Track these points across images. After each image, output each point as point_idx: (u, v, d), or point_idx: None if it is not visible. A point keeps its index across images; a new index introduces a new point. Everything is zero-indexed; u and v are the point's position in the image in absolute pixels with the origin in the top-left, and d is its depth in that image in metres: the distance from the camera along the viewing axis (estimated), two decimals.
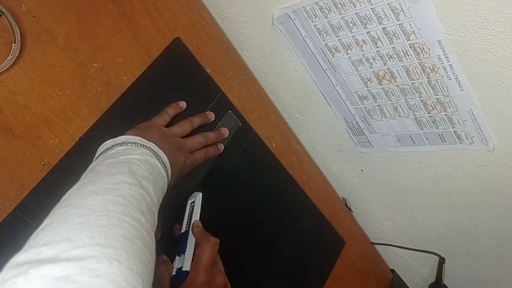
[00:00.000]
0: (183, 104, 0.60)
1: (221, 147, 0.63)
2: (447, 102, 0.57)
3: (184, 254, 0.52)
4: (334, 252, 0.82)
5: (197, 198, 0.59)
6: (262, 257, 0.70)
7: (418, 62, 0.54)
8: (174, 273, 0.51)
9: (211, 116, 0.63)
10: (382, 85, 0.61)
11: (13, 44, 0.46)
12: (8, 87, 0.48)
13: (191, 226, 0.55)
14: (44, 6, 0.50)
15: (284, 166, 0.74)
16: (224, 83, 0.67)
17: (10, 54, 0.46)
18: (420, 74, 0.55)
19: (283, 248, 0.73)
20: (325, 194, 0.83)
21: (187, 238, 0.53)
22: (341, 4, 0.53)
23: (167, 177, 0.47)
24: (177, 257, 0.53)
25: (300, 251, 0.76)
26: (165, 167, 0.47)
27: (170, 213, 0.56)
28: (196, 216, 0.56)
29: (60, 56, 0.51)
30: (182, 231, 0.56)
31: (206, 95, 0.64)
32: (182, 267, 0.50)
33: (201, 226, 0.55)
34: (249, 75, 0.72)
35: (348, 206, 0.92)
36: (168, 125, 0.57)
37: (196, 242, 0.53)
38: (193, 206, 0.58)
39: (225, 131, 0.64)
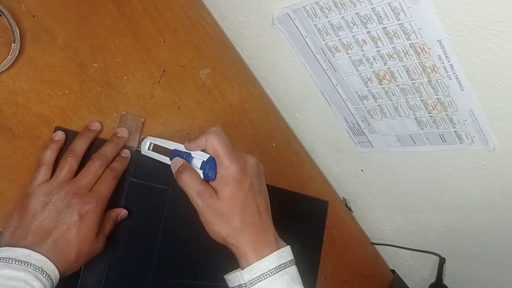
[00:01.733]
0: (59, 136, 0.49)
1: (127, 153, 0.53)
2: (448, 102, 0.57)
3: (192, 157, 0.47)
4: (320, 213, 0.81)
5: (151, 139, 0.54)
6: None
7: (419, 62, 0.54)
8: (200, 172, 0.46)
9: (124, 133, 0.53)
10: (382, 85, 0.61)
11: (13, 44, 0.46)
12: (8, 87, 0.48)
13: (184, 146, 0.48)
14: (43, 6, 0.50)
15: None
16: (224, 83, 0.67)
17: (10, 54, 0.46)
18: (420, 74, 0.55)
19: None
20: (325, 194, 0.83)
21: (182, 154, 0.48)
22: (341, 3, 0.53)
23: (49, 284, 0.42)
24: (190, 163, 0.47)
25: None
26: (45, 275, 0.41)
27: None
28: (169, 143, 0.51)
29: (59, 56, 0.51)
30: (169, 160, 0.50)
31: None
32: (203, 160, 0.45)
33: (188, 141, 0.48)
34: (249, 75, 0.72)
35: (348, 206, 0.92)
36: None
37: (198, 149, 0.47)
38: (156, 145, 0.53)
39: (122, 132, 0.53)
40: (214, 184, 0.46)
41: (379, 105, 0.64)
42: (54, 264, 0.43)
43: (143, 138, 0.56)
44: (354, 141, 0.75)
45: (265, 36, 0.67)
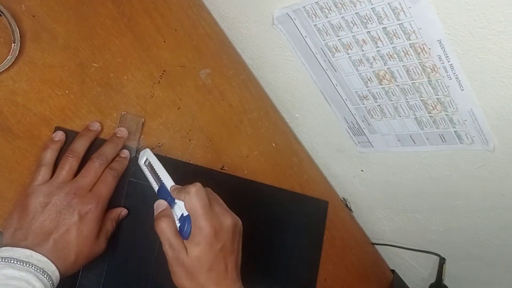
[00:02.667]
0: (59, 136, 0.50)
1: (126, 153, 0.53)
2: (448, 102, 0.57)
3: (175, 202, 0.47)
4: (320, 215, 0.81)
5: (148, 155, 0.53)
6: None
7: (419, 62, 0.54)
8: (178, 224, 0.47)
9: (123, 133, 0.53)
10: (382, 85, 0.61)
11: (13, 44, 0.46)
12: (8, 87, 0.48)
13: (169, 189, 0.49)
14: (43, 6, 0.50)
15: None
16: (224, 83, 0.67)
17: (10, 54, 0.46)
18: (420, 74, 0.55)
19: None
20: (325, 194, 0.83)
21: (167, 189, 0.49)
22: (341, 3, 0.53)
23: (50, 284, 0.42)
24: (172, 209, 0.48)
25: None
26: (46, 275, 0.42)
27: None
28: (161, 171, 0.50)
29: (59, 56, 0.51)
30: (156, 188, 0.51)
31: None
32: (182, 213, 0.46)
33: (174, 184, 0.49)
34: (249, 75, 0.72)
35: (348, 206, 0.92)
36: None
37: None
38: (150, 164, 0.52)
39: (121, 132, 0.53)
40: (186, 241, 0.46)
41: (379, 105, 0.64)
42: (55, 265, 0.43)
43: (142, 148, 0.55)
44: (354, 141, 0.75)
45: (265, 36, 0.67)
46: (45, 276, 0.41)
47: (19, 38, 0.47)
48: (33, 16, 0.49)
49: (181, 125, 0.61)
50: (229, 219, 0.47)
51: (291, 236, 0.75)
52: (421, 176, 0.73)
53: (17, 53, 0.47)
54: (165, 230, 0.46)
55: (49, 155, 0.48)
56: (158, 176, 0.51)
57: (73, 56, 0.52)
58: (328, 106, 0.71)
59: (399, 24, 0.51)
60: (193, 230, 0.45)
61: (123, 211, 0.53)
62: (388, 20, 0.51)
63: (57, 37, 0.51)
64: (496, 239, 0.74)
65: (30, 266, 0.41)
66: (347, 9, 0.53)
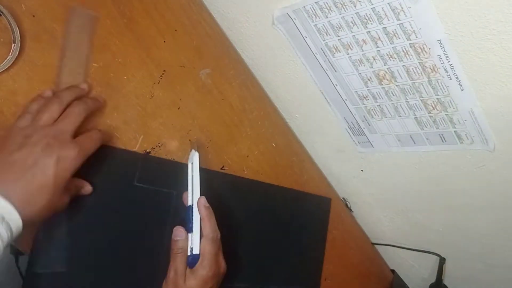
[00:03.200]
0: (48, 93, 0.48)
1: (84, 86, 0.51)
2: (448, 102, 0.57)
3: (193, 232, 0.53)
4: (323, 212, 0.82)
5: (194, 159, 0.55)
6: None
7: (419, 62, 0.54)
8: (189, 253, 0.53)
9: (85, 87, 0.51)
10: (382, 85, 0.61)
11: (13, 44, 0.46)
12: (8, 87, 0.48)
13: (196, 202, 0.54)
14: (43, 6, 0.50)
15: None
16: (224, 83, 0.67)
17: (10, 54, 0.46)
18: (420, 74, 0.55)
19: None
20: (325, 194, 0.83)
21: (193, 214, 0.53)
22: (341, 3, 0.53)
23: (8, 234, 0.39)
24: (189, 234, 0.54)
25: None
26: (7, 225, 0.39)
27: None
28: (196, 181, 0.54)
29: (59, 55, 0.51)
30: (189, 203, 0.55)
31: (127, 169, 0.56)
32: (192, 248, 0.52)
33: (206, 203, 0.54)
34: (249, 75, 0.72)
35: (348, 206, 0.92)
36: None
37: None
38: (192, 169, 0.55)
39: (84, 85, 0.51)
40: (188, 270, 0.52)
41: (379, 105, 0.64)
42: (19, 211, 0.39)
43: (195, 151, 0.57)
44: (354, 141, 0.75)
45: (265, 36, 0.67)
46: (2, 224, 0.38)
47: (19, 38, 0.47)
48: (33, 16, 0.49)
49: (181, 125, 0.61)
50: (223, 268, 0.55)
51: (295, 234, 0.75)
52: (421, 176, 0.73)
53: (17, 53, 0.47)
54: (179, 260, 0.52)
55: (35, 106, 0.46)
56: (193, 187, 0.55)
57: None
58: (328, 106, 0.71)
59: (399, 24, 0.51)
60: (198, 266, 0.52)
61: (87, 187, 0.51)
62: (388, 20, 0.51)
63: (57, 37, 0.51)
64: (496, 239, 0.74)
65: None
66: (347, 9, 0.53)
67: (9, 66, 0.47)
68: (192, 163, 0.56)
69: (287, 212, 0.74)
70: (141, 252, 0.56)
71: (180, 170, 0.58)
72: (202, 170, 0.55)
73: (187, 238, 0.53)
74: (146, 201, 0.56)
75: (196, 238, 0.52)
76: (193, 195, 0.54)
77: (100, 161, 0.52)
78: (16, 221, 0.39)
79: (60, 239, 0.50)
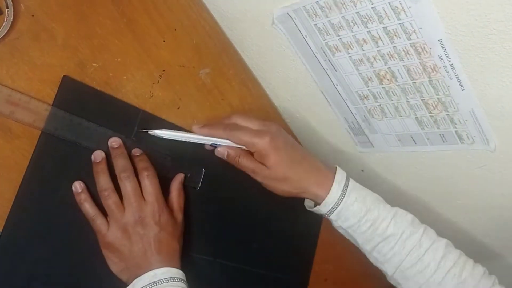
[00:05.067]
0: (116, 143, 0.53)
1: (138, 150, 0.54)
2: (448, 102, 0.56)
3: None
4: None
5: (162, 134, 0.56)
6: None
7: (419, 62, 0.54)
8: None
9: (118, 141, 0.53)
10: (383, 84, 0.60)
11: (6, 10, 0.46)
12: (7, 87, 0.47)
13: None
14: (43, 5, 0.50)
15: None
16: (224, 83, 0.67)
17: (5, 20, 0.46)
18: (421, 74, 0.55)
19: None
20: None
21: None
22: (341, 3, 0.53)
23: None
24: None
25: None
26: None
27: None
28: (187, 137, 0.57)
29: (59, 55, 0.51)
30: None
31: (126, 121, 0.55)
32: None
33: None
34: (249, 75, 0.72)
35: None
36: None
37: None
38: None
39: (116, 142, 0.53)
40: (258, 158, 0.54)
41: (380, 105, 0.64)
42: (172, 266, 0.50)
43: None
44: (354, 141, 0.75)
45: (265, 36, 0.67)
46: (179, 281, 0.48)
47: (11, 3, 0.46)
48: (32, 15, 0.49)
49: (180, 125, 0.61)
50: (272, 126, 0.56)
51: (288, 223, 0.75)
52: (421, 176, 0.73)
53: (12, 18, 0.46)
54: (244, 163, 0.55)
55: (90, 209, 0.51)
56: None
57: (73, 56, 0.52)
58: (328, 106, 0.71)
59: (399, 23, 0.51)
60: (253, 148, 0.54)
61: (181, 176, 0.58)
62: (389, 19, 0.51)
63: (57, 37, 0.51)
64: (496, 239, 0.74)
65: (160, 283, 0.47)
66: (347, 9, 0.53)
67: (9, 66, 0.47)
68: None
69: (281, 204, 0.73)
70: None
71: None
72: None
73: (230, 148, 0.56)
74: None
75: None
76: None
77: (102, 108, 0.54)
78: (177, 272, 0.50)
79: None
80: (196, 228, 0.61)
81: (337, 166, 0.57)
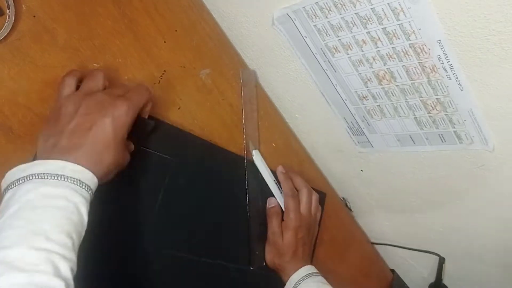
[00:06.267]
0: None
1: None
2: (447, 102, 0.57)
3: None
4: None
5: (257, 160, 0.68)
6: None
7: (418, 62, 0.54)
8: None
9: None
10: (382, 85, 0.61)
11: (8, 10, 0.46)
12: (9, 87, 0.48)
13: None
14: (44, 6, 0.50)
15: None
16: (224, 83, 0.67)
17: (6, 21, 0.46)
18: (420, 74, 0.55)
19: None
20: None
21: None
22: (341, 4, 0.53)
23: (89, 193, 0.41)
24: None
25: None
26: (84, 186, 0.40)
27: None
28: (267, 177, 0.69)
29: (60, 56, 0.51)
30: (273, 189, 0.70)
31: None
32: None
33: (283, 169, 0.72)
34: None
35: (348, 206, 0.92)
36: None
37: None
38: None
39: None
40: (283, 226, 0.67)
41: (379, 105, 0.64)
42: (92, 171, 0.41)
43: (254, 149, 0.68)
44: (354, 141, 0.75)
45: (265, 36, 0.67)
46: (83, 187, 0.40)
47: (13, 4, 0.46)
48: (34, 16, 0.49)
49: (181, 125, 0.61)
50: (309, 219, 0.69)
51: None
52: (420, 176, 0.73)
53: (13, 19, 0.46)
54: (273, 223, 0.67)
55: (74, 76, 0.47)
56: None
57: (74, 57, 0.52)
58: (328, 106, 0.72)
59: (398, 24, 0.51)
60: (286, 220, 0.66)
61: (131, 145, 0.51)
62: (388, 20, 0.51)
63: (58, 38, 0.51)
64: (496, 239, 0.74)
65: (66, 179, 0.39)
66: (347, 10, 0.53)
67: (10, 66, 0.47)
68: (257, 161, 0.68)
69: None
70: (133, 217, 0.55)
71: (183, 138, 0.60)
72: None
73: (279, 204, 0.69)
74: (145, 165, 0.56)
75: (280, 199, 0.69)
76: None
77: None
78: (91, 179, 0.41)
79: None
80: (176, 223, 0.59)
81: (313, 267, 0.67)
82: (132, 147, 0.51)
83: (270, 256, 0.66)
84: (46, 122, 0.45)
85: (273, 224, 0.66)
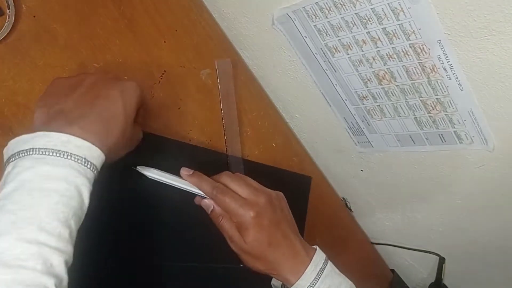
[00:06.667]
0: None
1: None
2: (447, 102, 0.57)
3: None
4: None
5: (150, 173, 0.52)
6: None
7: (418, 62, 0.54)
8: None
9: None
10: (382, 85, 0.61)
11: (8, 10, 0.46)
12: (9, 87, 0.48)
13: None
14: (44, 6, 0.50)
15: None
16: None
17: (6, 21, 0.46)
18: (420, 74, 0.55)
19: None
20: (325, 194, 0.83)
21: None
22: (341, 4, 0.53)
23: (94, 173, 0.37)
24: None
25: None
26: (88, 164, 0.36)
27: None
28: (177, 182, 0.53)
29: (60, 56, 0.51)
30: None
31: None
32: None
33: (188, 171, 0.52)
34: (249, 75, 0.73)
35: (348, 206, 0.92)
36: None
37: None
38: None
39: None
40: (238, 228, 0.50)
41: (379, 105, 0.64)
42: (99, 147, 0.37)
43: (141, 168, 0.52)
44: (354, 141, 0.75)
45: (265, 36, 0.67)
46: (87, 166, 0.36)
47: (13, 4, 0.46)
48: (34, 16, 0.49)
49: (181, 125, 0.61)
50: (263, 196, 0.51)
51: None
52: (421, 176, 0.73)
53: (13, 19, 0.46)
54: (226, 228, 0.50)
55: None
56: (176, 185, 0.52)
57: (74, 56, 0.52)
58: (328, 106, 0.72)
59: (398, 24, 0.51)
60: (236, 218, 0.50)
61: (140, 132, 0.49)
62: (388, 20, 0.51)
63: (58, 38, 0.51)
64: (496, 239, 0.74)
65: (69, 157, 0.35)
66: (347, 10, 0.53)
67: (10, 66, 0.47)
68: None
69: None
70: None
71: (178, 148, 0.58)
72: None
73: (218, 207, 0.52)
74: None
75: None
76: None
77: None
78: (98, 157, 0.38)
79: None
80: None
81: (317, 249, 0.53)
82: (141, 135, 0.48)
83: (252, 265, 0.51)
84: (47, 93, 0.42)
85: (226, 228, 0.51)
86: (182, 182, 0.52)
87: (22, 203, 0.33)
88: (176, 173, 0.52)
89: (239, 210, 0.49)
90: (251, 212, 0.49)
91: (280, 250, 0.50)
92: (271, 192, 0.53)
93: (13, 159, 0.35)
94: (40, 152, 0.35)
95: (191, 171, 0.52)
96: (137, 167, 0.51)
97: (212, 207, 0.51)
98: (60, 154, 0.35)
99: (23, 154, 0.35)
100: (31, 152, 0.35)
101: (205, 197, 0.52)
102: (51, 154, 0.35)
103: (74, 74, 0.43)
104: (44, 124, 0.38)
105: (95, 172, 0.37)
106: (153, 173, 0.51)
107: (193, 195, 0.53)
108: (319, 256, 0.52)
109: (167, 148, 0.59)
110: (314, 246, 0.54)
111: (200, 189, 0.51)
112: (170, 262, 0.59)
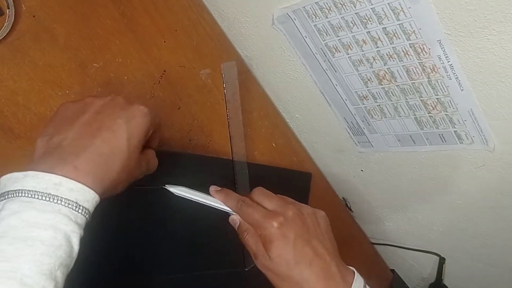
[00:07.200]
0: None
1: None
2: (447, 102, 0.57)
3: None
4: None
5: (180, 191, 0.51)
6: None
7: (418, 62, 0.54)
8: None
9: None
10: (382, 85, 0.61)
11: (7, 10, 0.46)
12: (8, 87, 0.48)
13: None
14: (44, 6, 0.50)
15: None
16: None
17: (6, 21, 0.46)
18: (420, 74, 0.55)
19: None
20: (325, 194, 0.83)
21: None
22: (341, 4, 0.53)
23: (86, 218, 0.35)
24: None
25: None
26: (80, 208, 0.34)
27: None
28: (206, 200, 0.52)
29: (60, 56, 0.51)
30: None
31: None
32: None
33: (216, 188, 0.51)
34: (249, 75, 0.72)
35: (348, 206, 0.92)
36: None
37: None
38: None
39: None
40: (263, 243, 0.46)
41: (379, 105, 0.64)
42: (93, 188, 0.35)
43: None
44: (354, 141, 0.75)
45: (265, 36, 0.67)
46: (78, 210, 0.34)
47: (12, 4, 0.46)
48: (34, 16, 0.49)
49: (181, 125, 0.61)
50: (291, 209, 0.47)
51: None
52: (421, 176, 0.73)
53: (13, 19, 0.46)
54: (249, 242, 0.47)
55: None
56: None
57: (74, 56, 0.52)
58: (328, 106, 0.72)
59: (399, 24, 0.51)
60: (262, 233, 0.46)
61: (152, 155, 0.45)
62: (388, 20, 0.51)
63: (58, 37, 0.51)
64: (496, 239, 0.74)
65: (59, 201, 0.33)
66: (347, 9, 0.53)
67: (10, 66, 0.47)
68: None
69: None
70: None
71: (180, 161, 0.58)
72: None
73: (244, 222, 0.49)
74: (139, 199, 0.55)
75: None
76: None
77: None
78: (92, 200, 0.35)
79: None
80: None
81: (355, 272, 0.47)
82: (156, 162, 0.45)
83: (278, 286, 0.46)
84: (52, 121, 0.40)
85: (250, 244, 0.47)
86: (210, 199, 0.51)
87: (3, 253, 0.30)
88: (197, 188, 0.52)
89: (263, 221, 0.45)
90: (275, 223, 0.44)
91: (311, 269, 0.44)
92: (306, 207, 0.49)
93: (2, 198, 0.33)
94: (30, 195, 0.32)
95: (219, 188, 0.51)
96: (165, 185, 0.50)
97: (238, 222, 0.49)
98: (49, 198, 0.33)
99: (12, 195, 0.33)
100: (19, 194, 0.33)
101: (233, 214, 0.51)
102: (40, 197, 0.32)
103: (82, 98, 0.41)
104: (40, 157, 0.37)
105: (87, 216, 0.35)
106: (181, 191, 0.50)
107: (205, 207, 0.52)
108: (358, 281, 0.46)
109: (172, 161, 0.59)
110: (352, 268, 0.48)
111: (226, 205, 0.50)
112: (174, 274, 0.59)
